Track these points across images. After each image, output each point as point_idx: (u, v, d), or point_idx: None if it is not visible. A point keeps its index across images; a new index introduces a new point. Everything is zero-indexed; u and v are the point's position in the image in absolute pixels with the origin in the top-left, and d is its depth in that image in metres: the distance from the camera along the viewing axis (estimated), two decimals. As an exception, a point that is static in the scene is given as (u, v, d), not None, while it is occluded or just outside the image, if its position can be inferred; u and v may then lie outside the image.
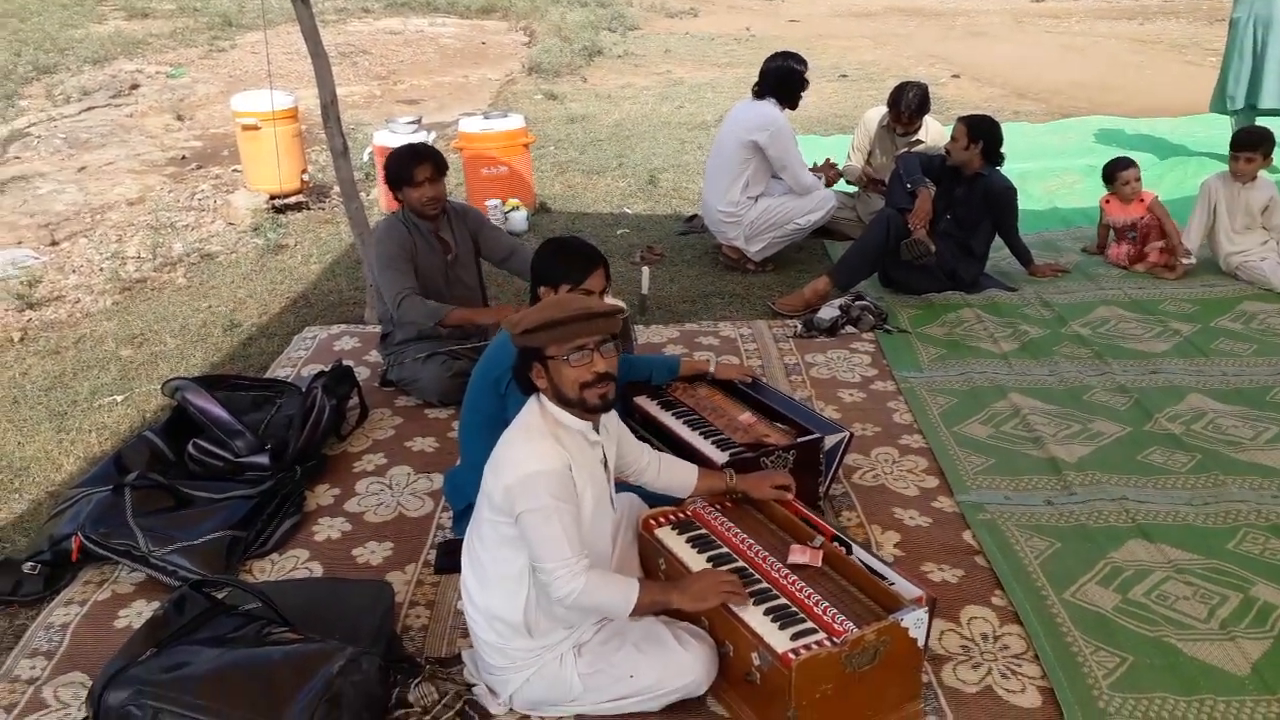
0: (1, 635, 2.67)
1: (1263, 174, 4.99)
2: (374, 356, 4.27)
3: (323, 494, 3.30)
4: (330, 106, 4.27)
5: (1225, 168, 6.12)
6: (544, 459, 2.17)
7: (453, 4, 16.46)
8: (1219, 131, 7.22)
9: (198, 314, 4.86)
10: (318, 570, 2.90)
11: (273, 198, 6.37)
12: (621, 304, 2.96)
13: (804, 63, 5.21)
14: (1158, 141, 7.52)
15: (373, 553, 2.99)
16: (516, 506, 2.15)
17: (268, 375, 4.10)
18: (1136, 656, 2.51)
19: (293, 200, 6.44)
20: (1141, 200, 5.20)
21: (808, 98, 5.51)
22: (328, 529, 3.11)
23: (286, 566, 2.92)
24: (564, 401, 2.25)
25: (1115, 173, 5.23)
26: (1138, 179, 5.19)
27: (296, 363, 4.28)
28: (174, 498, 3.01)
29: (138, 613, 2.71)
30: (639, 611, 2.24)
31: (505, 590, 2.25)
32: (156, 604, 2.67)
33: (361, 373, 4.07)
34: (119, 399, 4.00)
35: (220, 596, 2.37)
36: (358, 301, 4.93)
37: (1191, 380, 3.97)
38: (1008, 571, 2.85)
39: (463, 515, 3.04)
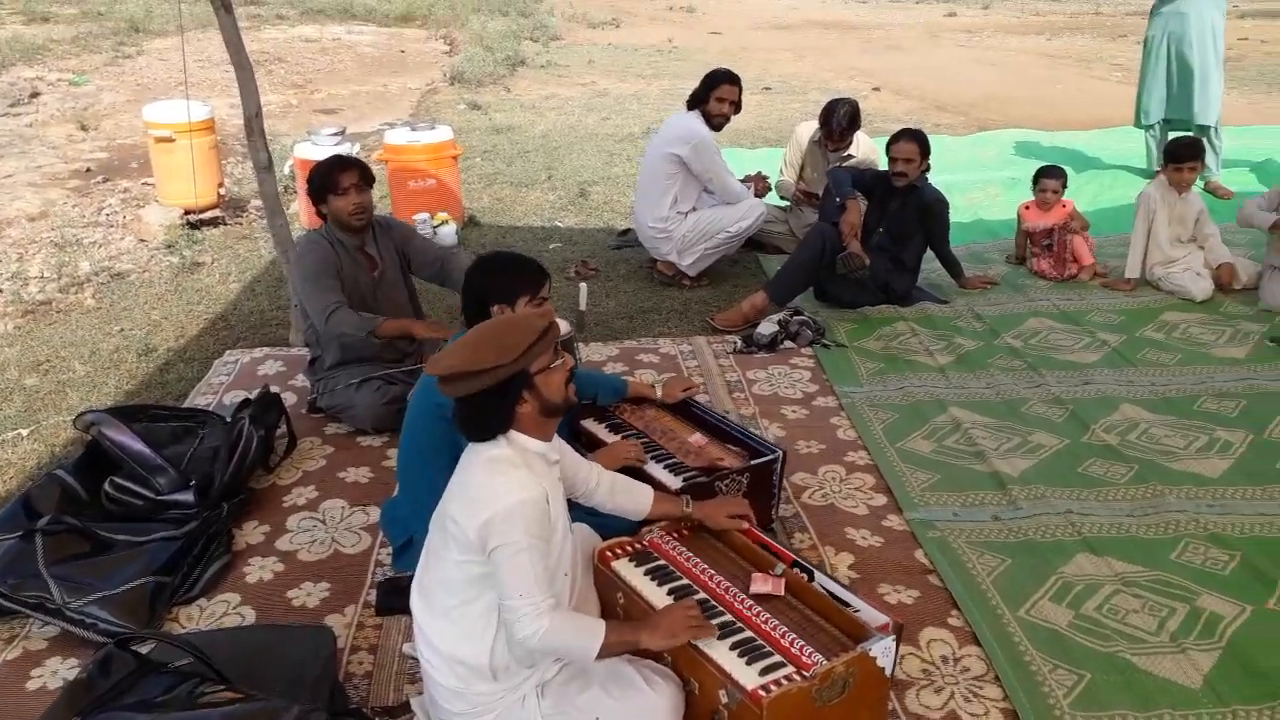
0: (-102, 699, 2.45)
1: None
2: (300, 381, 4.09)
3: (252, 532, 3.13)
4: (255, 120, 4.09)
5: (1142, 181, 6.34)
6: (523, 488, 2.10)
7: (370, 12, 16.20)
8: (1131, 144, 7.48)
9: (109, 338, 4.60)
10: (250, 616, 2.73)
11: (187, 213, 6.10)
12: (563, 322, 2.89)
13: (723, 74, 5.10)
14: (1073, 154, 7.73)
15: (309, 594, 2.84)
16: (491, 541, 2.05)
17: (188, 404, 3.90)
18: (1094, 673, 2.51)
19: (209, 215, 6.18)
20: (1063, 206, 5.31)
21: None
22: (259, 570, 2.94)
23: (216, 613, 2.74)
24: (549, 412, 2.20)
25: (1039, 178, 5.35)
26: (1055, 191, 5.30)
27: (218, 389, 4.08)
28: (90, 542, 2.80)
29: (52, 671, 2.51)
30: (606, 653, 2.15)
31: (473, 633, 2.15)
32: (73, 661, 2.49)
33: (288, 399, 3.90)
34: (24, 433, 3.75)
35: (147, 652, 2.19)
36: (281, 323, 4.72)
37: (1122, 390, 4.04)
38: (962, 590, 2.83)
39: (403, 551, 2.92)
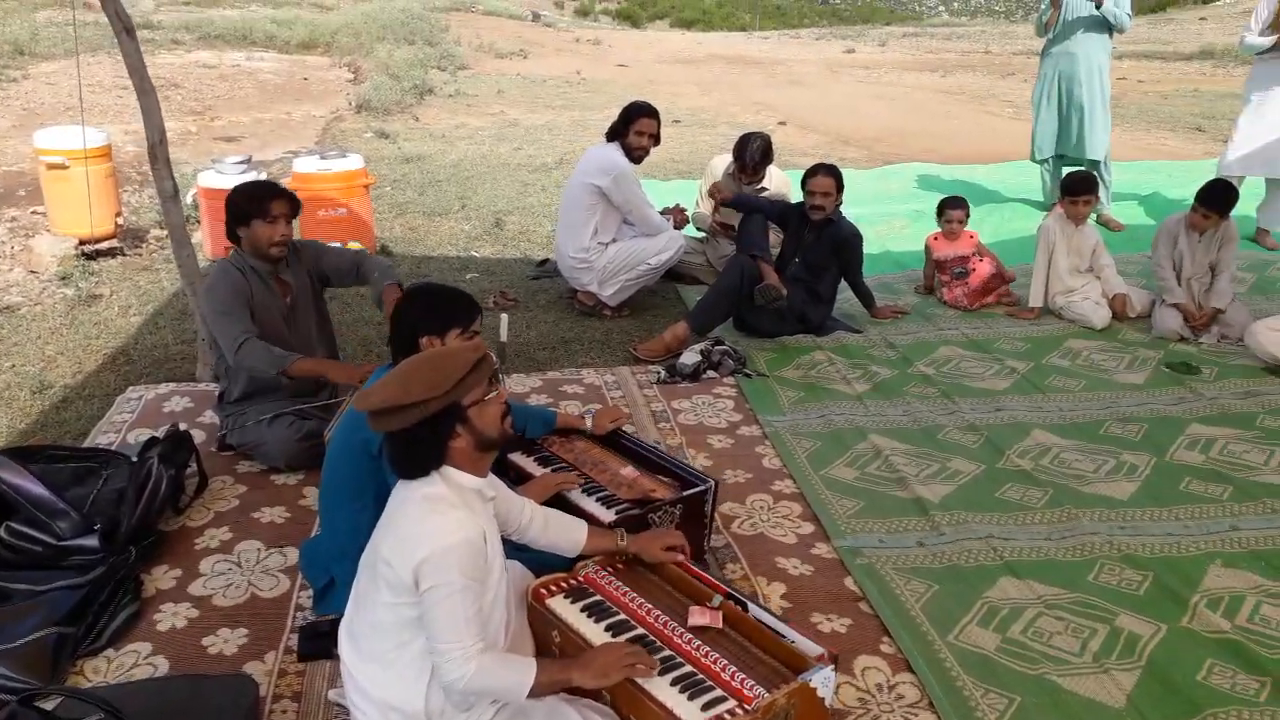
0: None
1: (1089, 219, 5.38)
2: (209, 418, 3.93)
3: (162, 577, 2.97)
4: (159, 147, 3.94)
5: (1039, 214, 6.61)
6: (461, 528, 2.04)
7: (271, 38, 15.85)
8: (1028, 178, 7.80)
9: (-1, 375, 4.36)
10: (164, 666, 2.58)
11: (83, 243, 5.82)
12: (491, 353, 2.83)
13: (640, 107, 5.14)
14: (973, 187, 8.01)
15: (225, 641, 2.70)
16: (424, 582, 1.99)
17: (88, 443, 3.70)
18: (1023, 696, 2.56)
19: (105, 246, 5.91)
20: (970, 237, 5.49)
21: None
22: (171, 617, 2.79)
23: (126, 664, 2.58)
24: (485, 447, 2.14)
25: (943, 209, 5.52)
26: (960, 220, 5.48)
27: (120, 427, 3.88)
28: (-15, 593, 2.63)
29: (-56, 734, 2.33)
30: (537, 693, 2.11)
31: (407, 678, 2.08)
32: (-32, 722, 2.30)
33: (197, 436, 3.71)
34: (-95, 476, 3.49)
35: (52, 709, 2.05)
36: (187, 357, 4.53)
37: (1033, 416, 4.17)
38: (893, 617, 2.86)
39: (325, 593, 2.82)
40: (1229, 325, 4.90)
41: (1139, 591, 2.99)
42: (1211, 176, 5.46)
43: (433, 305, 2.70)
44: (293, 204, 3.55)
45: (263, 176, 6.01)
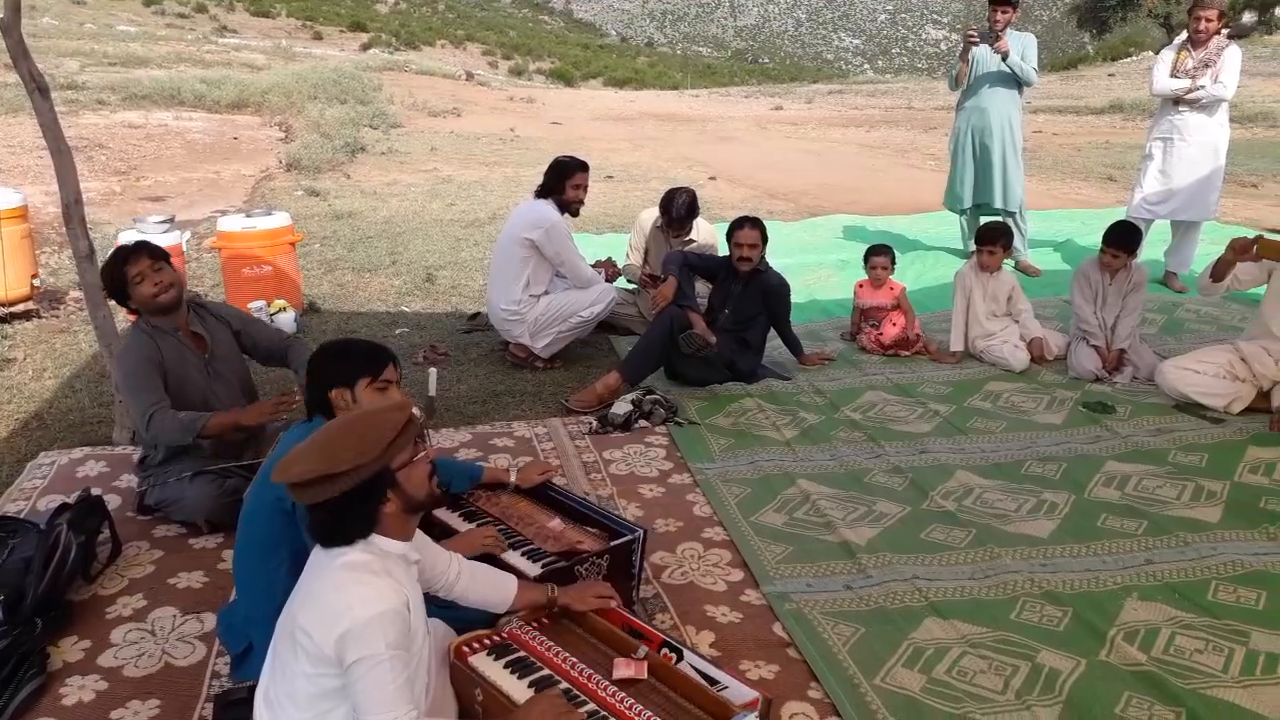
0: None
1: (1005, 265, 5.54)
2: (124, 482, 3.82)
3: (70, 648, 2.86)
4: (74, 207, 3.88)
5: (960, 261, 6.80)
6: (383, 599, 1.98)
7: (200, 98, 15.72)
8: (949, 228, 8.03)
9: (-98, 443, 4.19)
10: (68, 742, 2.48)
11: (-4, 306, 5.68)
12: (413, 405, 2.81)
13: (574, 163, 5.21)
14: (896, 237, 8.22)
15: (135, 714, 2.60)
16: (348, 655, 1.93)
17: (-5, 511, 3.57)
18: (948, 736, 2.58)
19: (21, 309, 5.76)
20: (891, 289, 5.62)
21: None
22: (78, 690, 2.68)
23: (28, 742, 2.48)
24: (413, 509, 2.11)
25: (868, 256, 5.66)
26: (884, 267, 5.62)
27: (30, 494, 3.75)
28: (-124, 671, 2.50)
29: None
30: None
31: None
32: None
33: (111, 501, 3.62)
34: None
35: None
36: (104, 420, 4.42)
37: (956, 458, 4.25)
38: (820, 661, 2.87)
39: (243, 659, 2.74)
40: (1138, 366, 5.07)
41: (1059, 627, 3.04)
42: (1120, 220, 5.68)
43: (337, 360, 2.67)
44: (150, 253, 3.52)
45: (186, 235, 5.95)
